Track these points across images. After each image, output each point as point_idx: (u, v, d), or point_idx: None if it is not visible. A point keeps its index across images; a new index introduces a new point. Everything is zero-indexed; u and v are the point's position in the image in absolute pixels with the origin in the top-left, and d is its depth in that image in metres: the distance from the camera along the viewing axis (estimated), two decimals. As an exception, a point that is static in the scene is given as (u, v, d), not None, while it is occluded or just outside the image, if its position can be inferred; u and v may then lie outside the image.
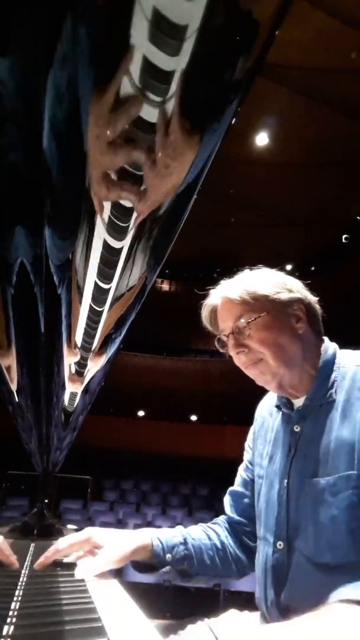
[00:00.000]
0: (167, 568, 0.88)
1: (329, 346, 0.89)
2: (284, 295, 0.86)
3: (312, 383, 0.86)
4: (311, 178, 9.82)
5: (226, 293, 0.87)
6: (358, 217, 11.09)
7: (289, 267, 12.74)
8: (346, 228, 11.32)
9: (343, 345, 0.92)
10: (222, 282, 0.92)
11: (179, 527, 0.96)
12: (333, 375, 0.84)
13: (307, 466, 0.82)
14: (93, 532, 0.85)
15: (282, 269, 0.94)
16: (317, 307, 0.92)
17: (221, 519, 1.06)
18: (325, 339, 0.91)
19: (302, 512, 0.80)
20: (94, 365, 1.03)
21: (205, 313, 0.93)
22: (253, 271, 0.93)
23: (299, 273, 12.72)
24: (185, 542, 0.91)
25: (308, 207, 10.79)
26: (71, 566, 0.80)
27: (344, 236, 11.43)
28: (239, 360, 0.88)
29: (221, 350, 0.90)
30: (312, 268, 12.84)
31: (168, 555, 0.88)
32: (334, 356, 0.87)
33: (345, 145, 8.86)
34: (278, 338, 0.83)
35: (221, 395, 11.80)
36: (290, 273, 0.93)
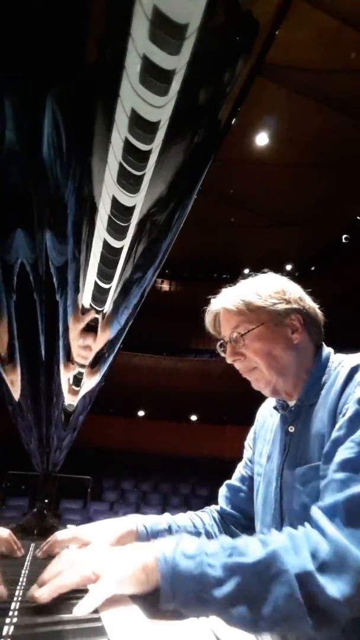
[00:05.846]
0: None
1: (324, 351, 0.91)
2: (281, 307, 0.87)
3: (304, 386, 0.88)
4: (311, 178, 9.82)
5: (224, 303, 0.90)
6: (358, 217, 11.09)
7: (289, 267, 12.72)
8: (346, 228, 11.32)
9: (343, 345, 0.93)
10: (224, 289, 0.93)
11: (166, 515, 0.97)
12: (324, 378, 0.86)
13: (294, 463, 0.85)
14: (77, 532, 0.83)
15: (282, 269, 0.95)
16: (318, 313, 0.93)
17: (210, 508, 1.06)
18: (323, 344, 0.93)
19: (290, 508, 0.83)
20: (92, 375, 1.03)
21: (208, 318, 0.95)
22: (255, 278, 0.94)
23: (299, 273, 12.71)
24: (169, 529, 0.92)
25: (308, 207, 10.79)
26: None
27: (344, 236, 11.43)
28: (236, 366, 0.91)
29: (222, 355, 0.92)
30: (312, 268, 12.82)
31: (152, 540, 0.88)
32: (327, 360, 0.89)
33: (345, 145, 8.86)
34: (272, 349, 0.86)
35: (221, 395, 11.79)
36: (290, 273, 0.93)
